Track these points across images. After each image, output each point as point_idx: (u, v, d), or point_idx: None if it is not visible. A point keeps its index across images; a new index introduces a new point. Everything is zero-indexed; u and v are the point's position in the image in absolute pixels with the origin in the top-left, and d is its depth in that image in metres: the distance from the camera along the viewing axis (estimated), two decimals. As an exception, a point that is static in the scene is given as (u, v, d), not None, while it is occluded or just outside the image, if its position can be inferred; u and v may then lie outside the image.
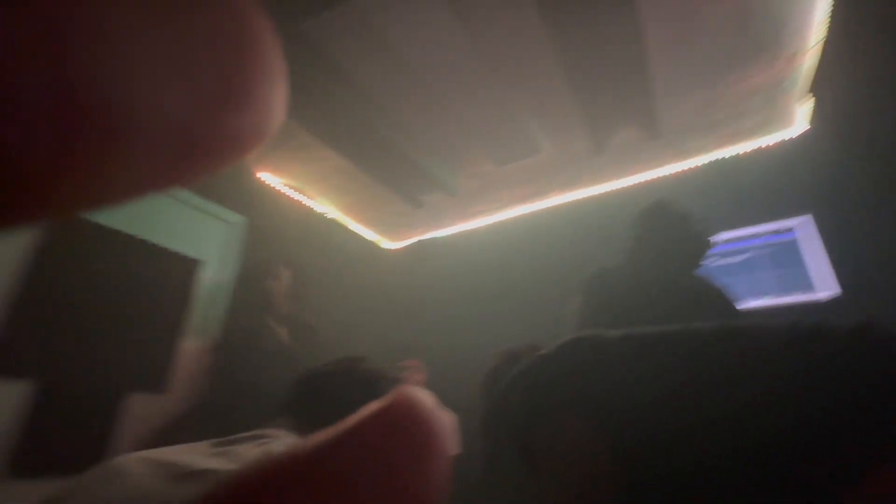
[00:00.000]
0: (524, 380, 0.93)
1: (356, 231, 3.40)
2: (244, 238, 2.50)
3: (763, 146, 2.29)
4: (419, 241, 3.54)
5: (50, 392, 1.68)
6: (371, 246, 3.52)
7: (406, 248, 3.61)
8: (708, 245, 1.53)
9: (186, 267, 2.16)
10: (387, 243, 3.61)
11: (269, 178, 2.82)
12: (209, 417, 1.89)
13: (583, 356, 0.89)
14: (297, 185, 2.93)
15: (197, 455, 0.59)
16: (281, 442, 0.66)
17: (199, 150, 0.10)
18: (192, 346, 2.08)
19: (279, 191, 2.88)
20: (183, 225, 2.23)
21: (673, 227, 1.54)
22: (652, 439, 0.75)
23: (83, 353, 1.79)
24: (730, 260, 2.20)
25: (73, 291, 1.81)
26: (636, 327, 0.92)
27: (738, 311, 1.40)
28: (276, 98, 0.11)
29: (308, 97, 2.16)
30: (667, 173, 2.49)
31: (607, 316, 1.38)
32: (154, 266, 2.05)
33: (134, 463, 0.58)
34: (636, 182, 2.58)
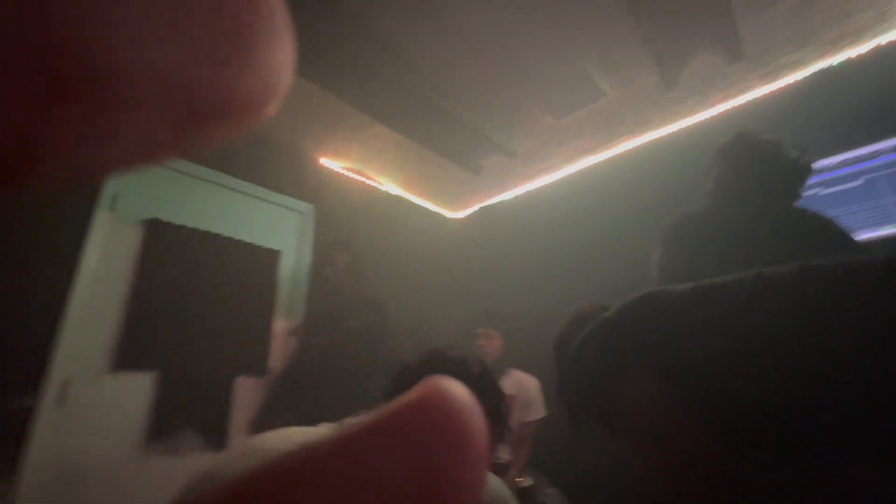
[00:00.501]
0: (592, 341, 0.91)
1: (419, 205, 3.42)
2: (314, 225, 2.59)
3: (878, 46, 1.94)
4: (481, 208, 3.49)
5: (170, 380, 1.88)
6: (435, 218, 3.53)
7: (470, 216, 3.58)
8: (805, 171, 1.34)
9: (269, 258, 2.30)
10: (450, 214, 3.61)
11: (330, 163, 2.89)
12: (298, 396, 2.02)
13: (648, 313, 0.87)
14: (356, 167, 2.98)
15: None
16: None
17: (199, 114, 0.09)
18: (281, 332, 2.23)
19: (341, 174, 2.95)
20: (260, 220, 2.37)
21: (759, 158, 1.37)
22: (725, 390, 0.73)
23: (195, 344, 1.98)
24: (845, 186, 1.93)
25: (177, 290, 2.00)
26: (727, 276, 0.84)
27: (854, 242, 1.22)
28: (283, 56, 0.11)
29: (356, 75, 2.15)
30: (754, 98, 2.21)
31: (693, 267, 1.27)
32: (242, 260, 2.20)
33: (276, 441, 0.63)
34: (716, 114, 2.33)
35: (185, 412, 1.88)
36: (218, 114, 0.09)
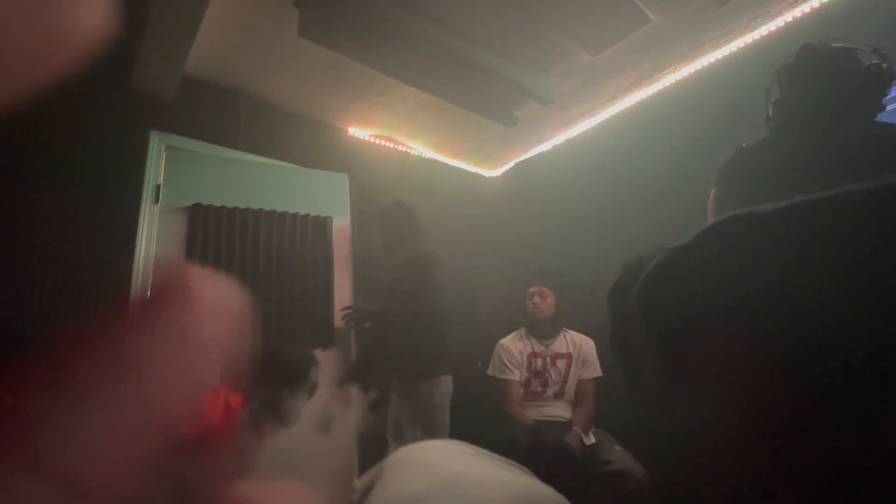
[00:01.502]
0: (664, 277, 0.79)
1: (453, 166, 3.33)
2: (349, 196, 2.55)
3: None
4: (518, 163, 3.36)
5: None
6: (471, 178, 3.44)
7: (507, 173, 3.46)
8: (887, 79, 1.15)
9: (320, 226, 2.27)
10: (487, 172, 3.50)
11: (358, 132, 2.84)
12: (370, 365, 2.05)
13: (736, 238, 0.74)
14: (386, 133, 2.91)
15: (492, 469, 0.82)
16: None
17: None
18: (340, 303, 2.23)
19: (371, 143, 2.90)
20: (302, 192, 2.33)
21: (828, 72, 1.18)
22: (835, 334, 0.63)
23: (269, 320, 2.01)
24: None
25: (230, 269, 2.03)
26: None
27: None
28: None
29: (374, 35, 2.06)
30: (821, 3, 1.95)
31: (754, 205, 1.15)
32: (292, 232, 2.19)
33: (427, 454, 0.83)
34: (780, 26, 2.08)
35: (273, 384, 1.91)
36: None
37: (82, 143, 1.90)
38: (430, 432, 1.95)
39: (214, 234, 2.04)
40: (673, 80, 2.44)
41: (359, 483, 0.92)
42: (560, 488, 0.93)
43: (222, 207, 2.08)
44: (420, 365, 2.00)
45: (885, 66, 1.16)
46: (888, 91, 1.16)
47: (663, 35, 2.17)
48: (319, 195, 2.35)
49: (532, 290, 2.41)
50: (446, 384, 2.06)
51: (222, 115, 2.34)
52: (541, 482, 0.87)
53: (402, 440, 2.00)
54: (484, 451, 0.91)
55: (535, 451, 1.05)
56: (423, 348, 1.99)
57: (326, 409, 1.99)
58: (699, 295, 0.76)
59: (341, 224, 2.38)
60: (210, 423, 1.55)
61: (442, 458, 0.82)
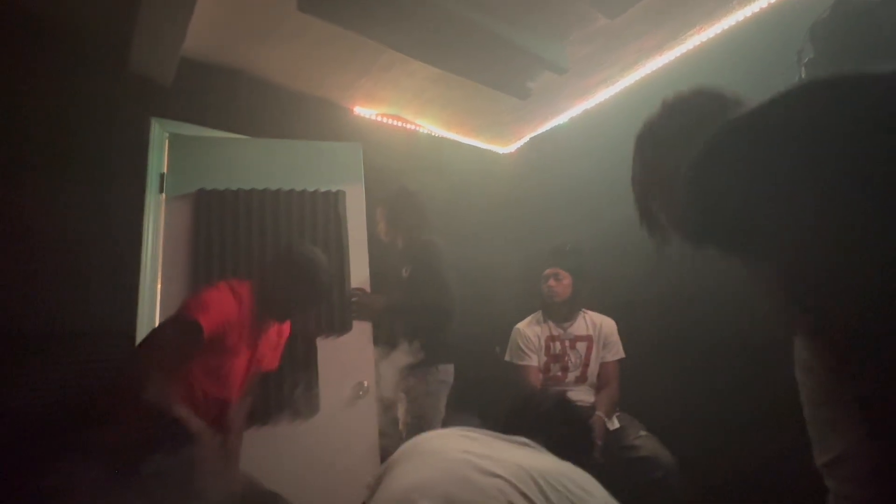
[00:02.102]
0: (720, 154, 0.63)
1: (465, 143, 3.23)
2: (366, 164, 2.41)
3: None
4: (532, 137, 3.24)
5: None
6: (484, 155, 3.34)
7: (521, 148, 3.35)
8: None
9: (333, 200, 2.16)
10: (500, 149, 3.39)
11: (364, 111, 2.76)
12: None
13: (837, 99, 0.61)
14: (393, 111, 2.82)
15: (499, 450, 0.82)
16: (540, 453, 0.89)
17: None
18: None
19: (378, 122, 2.81)
20: (313, 168, 2.22)
21: (859, 28, 1.09)
22: None
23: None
24: None
25: (239, 253, 1.97)
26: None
27: None
28: None
29: (379, 8, 1.96)
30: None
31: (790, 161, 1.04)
32: (303, 210, 2.10)
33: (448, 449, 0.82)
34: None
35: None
36: None
37: (83, 134, 1.86)
38: (421, 418, 1.93)
39: (219, 220, 1.98)
40: (698, 43, 2.29)
41: (370, 481, 0.92)
42: (576, 459, 0.91)
43: (226, 191, 2.02)
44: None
45: None
46: None
47: (687, -8, 2.02)
48: (331, 169, 2.22)
49: (547, 272, 2.32)
50: (445, 372, 2.03)
51: (223, 97, 2.27)
52: (547, 454, 0.87)
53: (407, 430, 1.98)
54: (488, 433, 0.92)
55: (550, 416, 1.06)
56: (421, 338, 1.96)
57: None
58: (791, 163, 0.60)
59: (357, 196, 2.24)
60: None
61: (442, 446, 0.82)
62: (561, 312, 2.31)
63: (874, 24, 1.09)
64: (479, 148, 3.31)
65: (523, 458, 0.79)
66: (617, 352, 2.27)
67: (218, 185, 2.02)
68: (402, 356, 1.96)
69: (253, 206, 2.04)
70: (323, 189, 2.16)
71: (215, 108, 2.23)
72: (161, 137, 2.06)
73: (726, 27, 2.18)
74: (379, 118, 2.81)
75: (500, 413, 1.09)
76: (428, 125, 3.00)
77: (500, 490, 0.66)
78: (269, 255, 1.97)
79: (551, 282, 2.30)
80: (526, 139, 3.28)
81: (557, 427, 1.00)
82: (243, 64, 2.30)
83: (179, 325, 1.39)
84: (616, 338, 2.29)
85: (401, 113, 2.84)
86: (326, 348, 2.03)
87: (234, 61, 2.27)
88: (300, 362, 1.96)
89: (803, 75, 1.20)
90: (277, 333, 1.74)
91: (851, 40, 1.13)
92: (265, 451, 1.80)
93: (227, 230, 1.99)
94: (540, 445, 0.89)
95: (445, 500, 0.67)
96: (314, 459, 1.90)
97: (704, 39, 2.26)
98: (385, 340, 2.05)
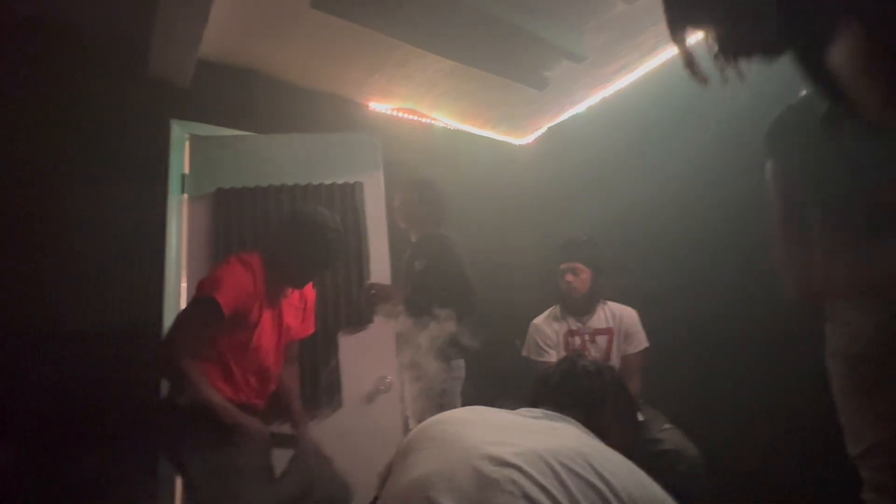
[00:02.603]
0: None
1: (482, 136, 3.22)
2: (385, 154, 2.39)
3: None
4: (551, 127, 3.21)
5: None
6: (501, 147, 3.32)
7: (538, 139, 3.32)
8: None
9: (350, 193, 2.17)
10: (517, 140, 3.37)
11: (379, 106, 2.77)
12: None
13: None
14: (408, 106, 2.83)
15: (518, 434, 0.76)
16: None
17: None
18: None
19: (393, 117, 2.83)
20: (331, 161, 2.22)
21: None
22: None
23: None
24: None
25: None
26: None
27: None
28: None
29: (392, 2, 1.97)
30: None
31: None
32: (323, 202, 2.11)
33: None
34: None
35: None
36: None
37: (106, 138, 1.92)
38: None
39: (238, 218, 2.02)
40: (721, 24, 2.23)
41: (382, 470, 0.90)
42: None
43: (244, 189, 2.06)
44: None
45: None
46: None
47: (709, -27, 1.96)
48: (348, 160, 2.22)
49: (563, 266, 2.30)
50: (457, 369, 2.03)
51: (239, 97, 2.32)
52: (572, 428, 0.83)
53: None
54: (505, 411, 0.87)
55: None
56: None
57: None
58: None
59: (376, 185, 2.25)
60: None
61: (455, 433, 0.77)
62: (579, 306, 2.30)
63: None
64: (496, 140, 3.29)
65: (542, 438, 0.73)
66: (639, 342, 2.23)
67: (237, 183, 2.06)
68: (444, 325, 1.94)
69: (270, 203, 2.08)
70: (340, 181, 2.17)
71: (232, 108, 2.28)
72: (181, 139, 2.11)
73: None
74: (394, 113, 2.82)
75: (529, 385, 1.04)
76: (444, 118, 3.00)
77: (514, 482, 0.62)
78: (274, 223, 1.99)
79: (569, 276, 2.27)
80: (543, 130, 3.25)
81: (576, 385, 0.95)
82: (258, 64, 2.33)
83: (198, 306, 1.43)
84: (638, 328, 2.25)
85: (416, 107, 2.85)
86: (348, 343, 2.06)
87: (250, 61, 2.31)
88: (321, 358, 1.99)
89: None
90: (300, 298, 1.75)
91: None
92: (286, 450, 1.83)
93: (246, 228, 2.03)
94: (568, 417, 0.85)
95: (454, 494, 0.64)
96: (337, 455, 1.92)
97: (727, 21, 2.20)
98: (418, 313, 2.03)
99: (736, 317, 2.05)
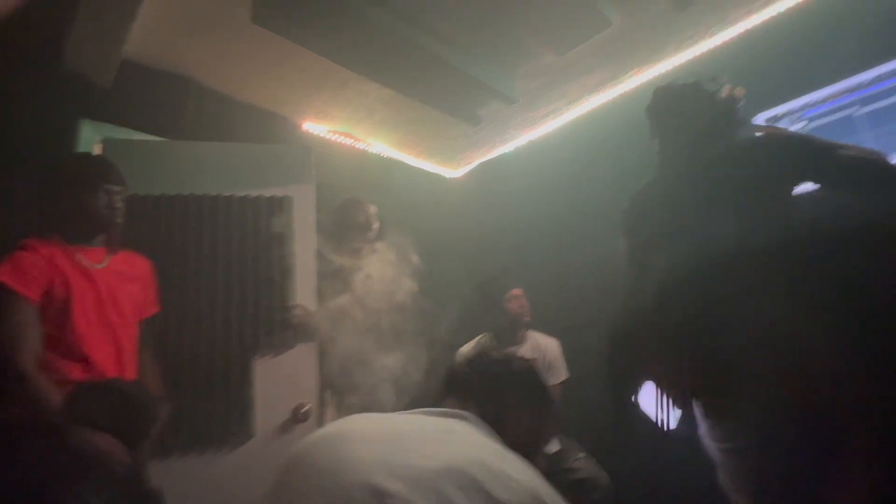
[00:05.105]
0: None
1: (415, 166, 3.33)
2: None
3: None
4: (482, 163, 3.40)
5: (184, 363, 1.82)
6: (433, 178, 3.45)
7: (470, 173, 3.50)
8: (723, 103, 1.33)
9: (279, 206, 2.10)
10: (449, 172, 3.52)
11: (314, 127, 2.80)
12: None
13: None
14: (344, 129, 2.88)
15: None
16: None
17: None
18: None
19: (328, 139, 2.86)
20: (260, 173, 2.17)
21: (677, 108, 1.39)
22: None
23: (211, 320, 1.89)
24: (884, 102, 1.85)
25: (184, 266, 1.91)
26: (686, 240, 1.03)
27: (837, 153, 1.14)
28: None
29: (334, 25, 2.04)
30: (779, 11, 2.08)
31: (655, 249, 1.34)
32: (249, 216, 2.06)
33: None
34: (738, 34, 2.20)
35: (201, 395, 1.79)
36: None
37: (6, 132, 1.78)
38: None
39: (151, 227, 1.92)
40: (636, 84, 2.55)
41: None
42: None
43: (161, 196, 1.97)
44: None
45: (724, 90, 1.35)
46: (732, 111, 1.33)
47: (627, 38, 2.26)
48: (278, 174, 2.19)
49: (516, 292, 2.42)
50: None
51: (167, 103, 2.24)
52: (474, 431, 0.78)
53: None
54: (404, 415, 0.82)
55: None
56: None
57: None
58: None
59: (306, 201, 2.21)
60: None
61: (335, 460, 0.69)
62: (515, 335, 2.41)
63: (686, 104, 1.37)
64: (429, 171, 3.42)
65: (434, 451, 0.67)
66: (560, 374, 2.38)
67: (154, 191, 1.97)
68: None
69: (190, 212, 2.00)
70: (267, 194, 2.13)
71: (158, 114, 2.20)
72: (91, 141, 1.99)
73: (661, 71, 2.45)
74: (329, 135, 2.86)
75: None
76: (379, 145, 3.08)
77: None
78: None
79: (522, 302, 2.39)
80: (474, 164, 3.43)
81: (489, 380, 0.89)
82: (192, 71, 2.29)
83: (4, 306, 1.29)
84: (560, 360, 2.40)
85: (352, 131, 2.91)
86: (264, 367, 1.99)
87: (183, 67, 2.26)
88: (233, 382, 1.91)
89: (657, 152, 1.47)
90: (127, 262, 1.62)
91: (671, 118, 1.41)
92: (188, 481, 1.72)
93: (161, 237, 1.94)
94: (469, 414, 0.80)
95: None
96: (243, 490, 1.83)
97: (642, 81, 2.52)
98: None
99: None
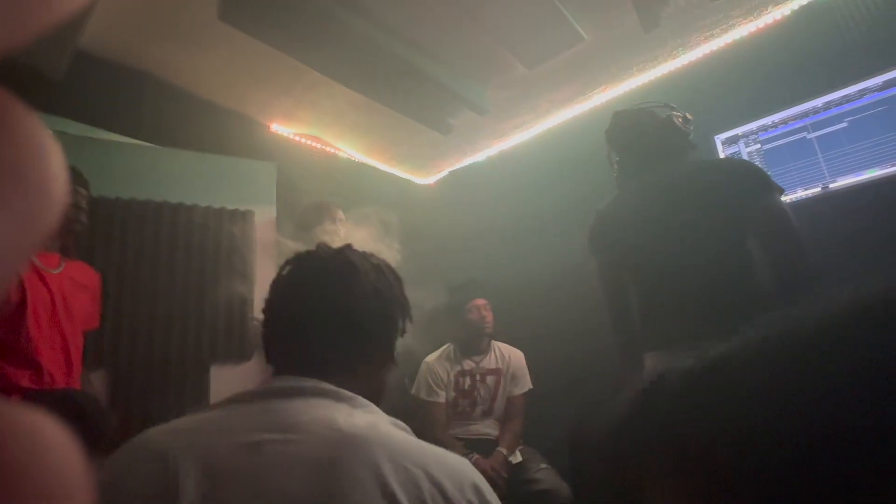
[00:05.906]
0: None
1: (384, 171, 3.32)
2: (280, 187, 2.41)
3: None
4: (452, 171, 3.43)
5: (135, 373, 1.75)
6: (402, 185, 3.44)
7: (440, 181, 3.51)
8: (674, 127, 1.45)
9: (241, 219, 2.11)
10: (419, 180, 3.53)
11: (281, 129, 2.75)
12: None
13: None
14: (312, 132, 2.85)
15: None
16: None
17: None
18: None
19: (295, 141, 2.82)
20: (221, 184, 2.17)
21: (631, 131, 1.51)
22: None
23: (165, 330, 1.84)
24: (832, 128, 1.96)
25: (127, 271, 1.84)
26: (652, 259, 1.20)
27: (765, 184, 1.30)
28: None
29: (305, 27, 2.02)
30: (738, 37, 2.20)
31: (621, 267, 1.48)
32: (210, 226, 2.02)
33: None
34: (700, 56, 2.31)
35: (151, 402, 1.75)
36: None
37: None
38: None
39: (105, 229, 1.85)
40: (604, 100, 2.62)
41: None
42: None
43: (116, 199, 1.90)
44: None
45: (676, 115, 1.48)
46: (682, 135, 1.46)
47: (595, 54, 2.33)
48: (242, 187, 2.18)
49: (478, 302, 2.43)
50: None
51: (126, 99, 2.17)
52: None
53: None
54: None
55: None
56: None
57: None
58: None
59: (267, 219, 2.22)
60: None
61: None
62: (480, 345, 2.42)
63: (640, 127, 1.49)
64: (399, 177, 3.42)
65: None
66: (524, 385, 2.40)
67: (109, 193, 1.90)
68: None
69: (147, 217, 1.95)
70: (231, 207, 2.12)
71: (116, 110, 2.12)
72: (41, 134, 1.90)
73: (627, 89, 2.53)
74: (296, 138, 2.82)
75: None
76: (348, 149, 3.06)
77: None
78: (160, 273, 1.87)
79: (485, 311, 2.40)
80: (445, 172, 3.45)
81: None
82: (154, 67, 2.22)
83: None
84: (524, 371, 2.42)
85: (320, 135, 2.88)
86: (221, 378, 1.94)
87: (144, 63, 2.19)
88: (189, 392, 1.85)
89: (615, 174, 1.60)
90: (80, 270, 1.57)
91: (626, 141, 1.53)
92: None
93: (114, 242, 1.87)
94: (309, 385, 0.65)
95: None
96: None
97: (609, 98, 2.60)
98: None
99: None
